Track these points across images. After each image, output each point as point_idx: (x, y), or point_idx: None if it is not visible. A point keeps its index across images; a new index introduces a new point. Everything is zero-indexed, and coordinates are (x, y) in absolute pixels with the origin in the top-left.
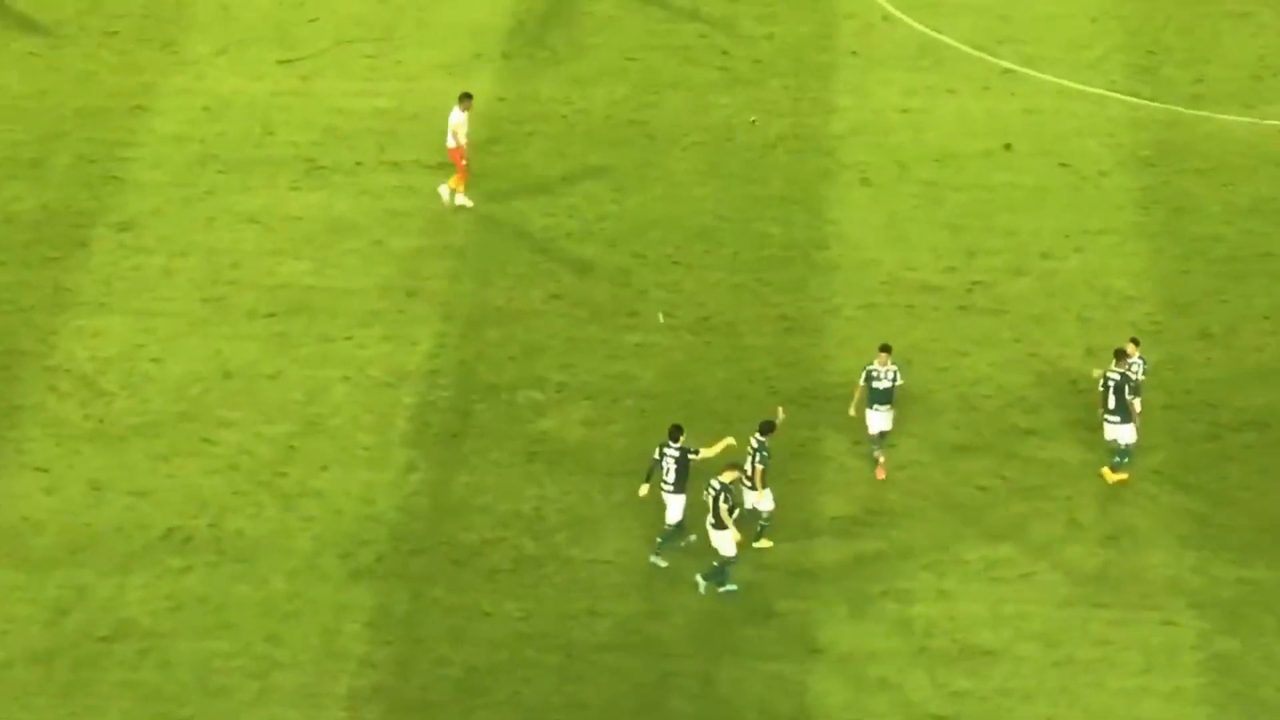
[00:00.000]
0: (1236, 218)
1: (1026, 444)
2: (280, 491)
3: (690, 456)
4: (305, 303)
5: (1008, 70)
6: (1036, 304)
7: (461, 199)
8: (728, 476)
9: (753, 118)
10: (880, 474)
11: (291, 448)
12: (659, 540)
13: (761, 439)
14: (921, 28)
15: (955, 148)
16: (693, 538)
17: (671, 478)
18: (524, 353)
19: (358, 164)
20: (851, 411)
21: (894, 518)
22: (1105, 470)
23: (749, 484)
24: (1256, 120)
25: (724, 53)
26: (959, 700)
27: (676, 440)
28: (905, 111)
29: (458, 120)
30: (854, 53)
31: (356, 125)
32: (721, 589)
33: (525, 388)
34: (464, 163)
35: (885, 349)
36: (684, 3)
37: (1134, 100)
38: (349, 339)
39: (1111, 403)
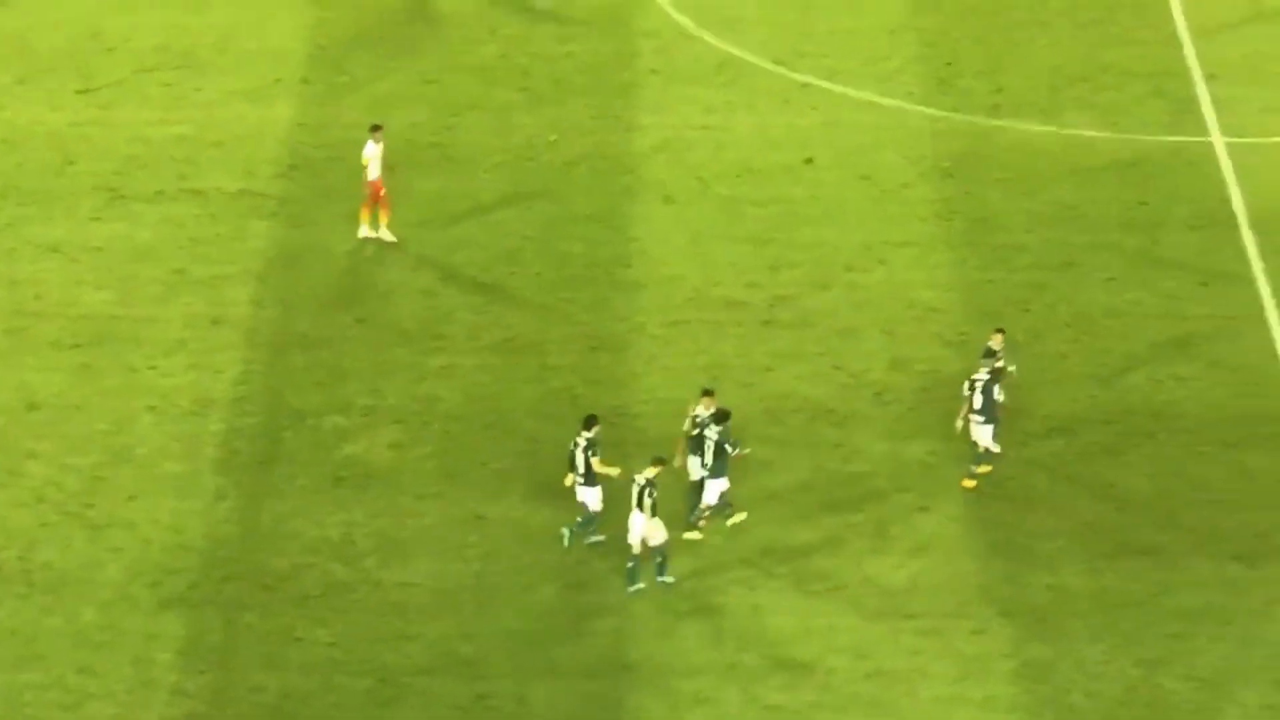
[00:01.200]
0: (1038, 227)
1: (834, 457)
2: (89, 522)
3: (595, 450)
4: (109, 332)
5: (807, 84)
6: (841, 317)
7: (384, 233)
8: (651, 471)
9: (554, 137)
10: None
11: (99, 478)
12: (567, 530)
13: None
14: (720, 44)
15: (756, 162)
16: (602, 538)
17: (583, 469)
18: (330, 377)
19: (159, 192)
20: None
21: (703, 534)
22: (966, 480)
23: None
24: (1056, 129)
25: (524, 73)
26: (773, 714)
27: (589, 430)
28: (706, 128)
29: (371, 152)
30: (654, 70)
31: (157, 153)
32: (660, 579)
33: (332, 412)
34: (383, 193)
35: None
36: (482, 24)
37: (933, 112)
38: (154, 368)
39: (979, 402)
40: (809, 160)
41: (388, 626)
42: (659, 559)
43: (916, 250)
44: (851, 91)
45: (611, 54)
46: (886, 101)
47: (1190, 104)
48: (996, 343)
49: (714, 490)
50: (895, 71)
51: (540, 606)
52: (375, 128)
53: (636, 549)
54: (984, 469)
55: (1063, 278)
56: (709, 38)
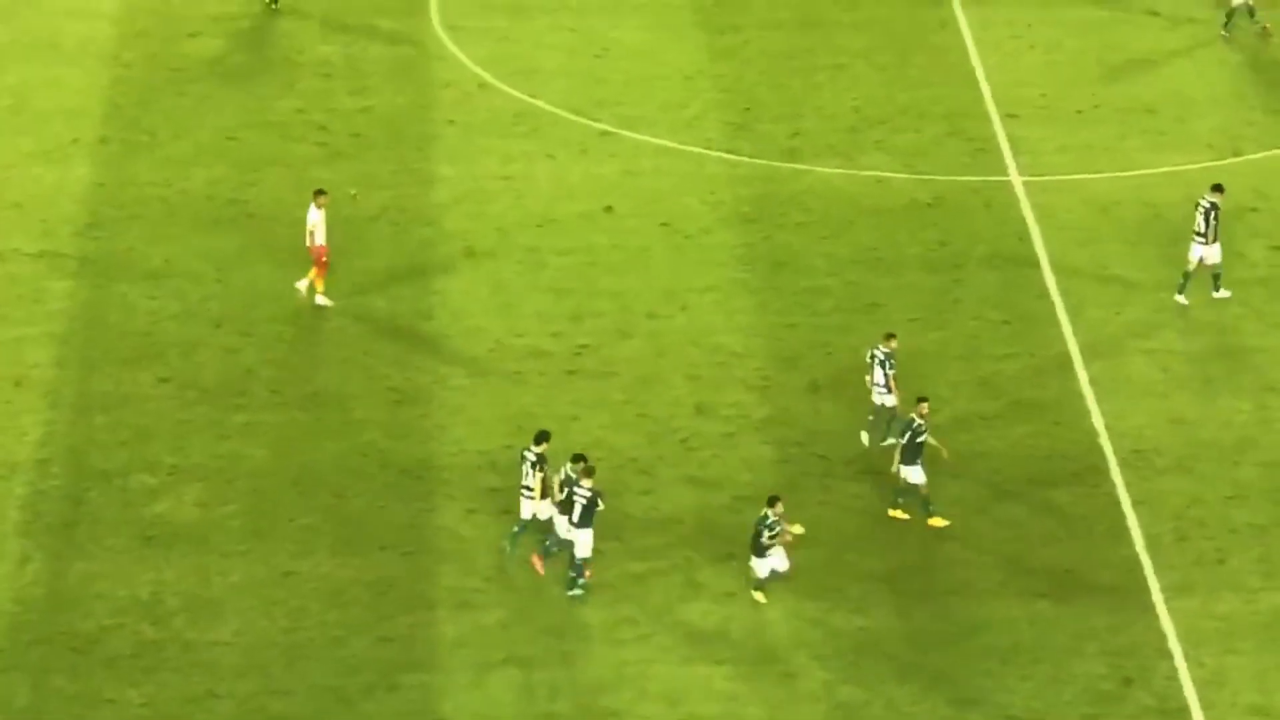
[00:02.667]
0: (839, 269)
1: (641, 504)
2: None
3: (543, 465)
4: None
5: (605, 132)
6: (644, 365)
7: (321, 299)
8: (589, 482)
9: (353, 191)
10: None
11: None
12: (506, 536)
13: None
14: (518, 94)
15: (556, 212)
16: (551, 546)
17: (530, 482)
18: (134, 437)
19: None
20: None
21: (512, 584)
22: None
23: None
24: (855, 172)
25: (321, 128)
26: None
27: (539, 445)
28: (505, 178)
29: (315, 219)
30: (452, 121)
31: None
32: (571, 591)
33: (137, 472)
34: (325, 260)
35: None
36: (280, 79)
37: (732, 157)
38: None
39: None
40: (609, 208)
41: (198, 686)
42: (573, 573)
43: (718, 295)
44: (650, 139)
45: (409, 107)
46: (685, 148)
47: (988, 144)
48: (891, 347)
49: (585, 543)
50: (693, 118)
51: (350, 661)
52: (319, 192)
53: (588, 555)
54: (937, 521)
55: (866, 320)
56: (507, 88)
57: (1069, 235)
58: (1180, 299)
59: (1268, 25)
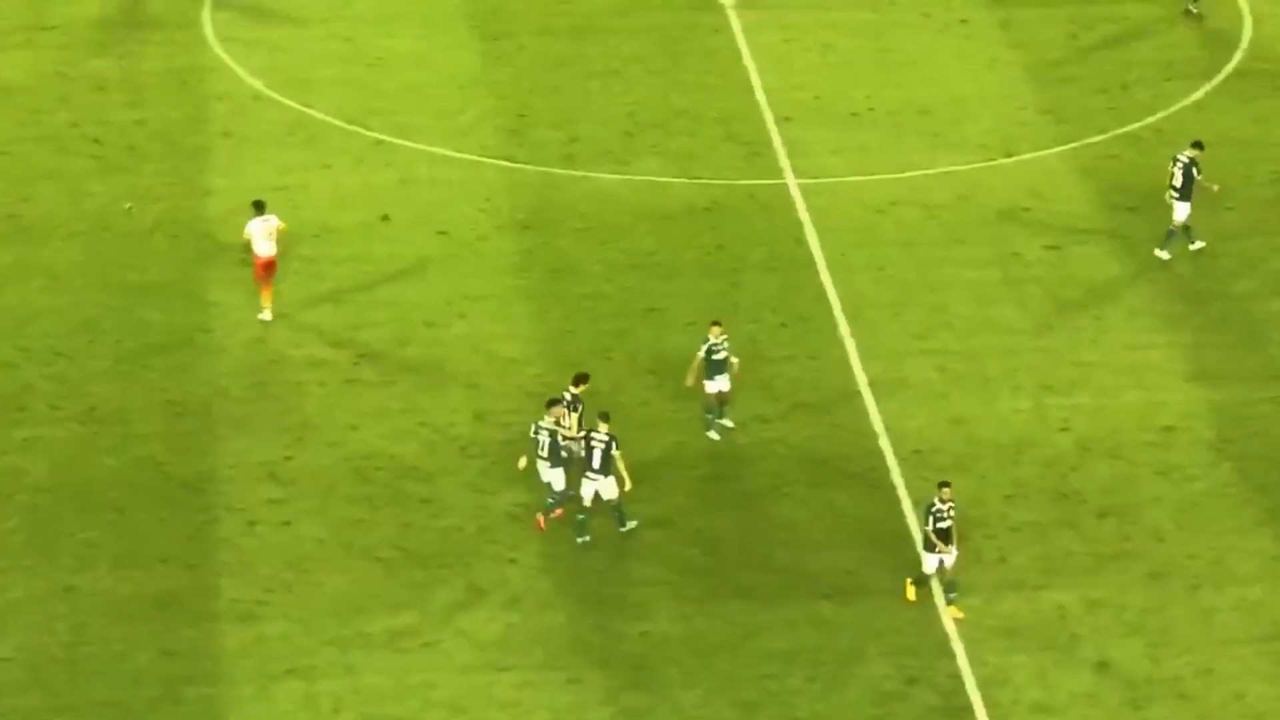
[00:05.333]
0: (617, 275)
1: (422, 513)
2: None
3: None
4: None
5: (381, 141)
6: (423, 373)
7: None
8: (607, 429)
9: (128, 204)
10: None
11: None
12: (548, 501)
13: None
14: (293, 104)
15: (333, 222)
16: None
17: (546, 452)
18: None
19: None
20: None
21: (293, 595)
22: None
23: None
24: (631, 177)
25: (95, 141)
26: None
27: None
28: (282, 189)
29: (255, 229)
30: (227, 134)
31: None
32: (624, 527)
33: None
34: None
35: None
36: (52, 93)
37: (508, 164)
38: None
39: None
40: (386, 217)
41: None
42: (616, 512)
43: (496, 303)
44: (425, 147)
45: (183, 119)
46: (461, 156)
47: (763, 147)
48: (715, 334)
49: (611, 487)
50: (469, 125)
51: (134, 675)
52: (257, 204)
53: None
54: (955, 611)
55: (644, 325)
56: (281, 99)
57: (845, 237)
58: (1161, 254)
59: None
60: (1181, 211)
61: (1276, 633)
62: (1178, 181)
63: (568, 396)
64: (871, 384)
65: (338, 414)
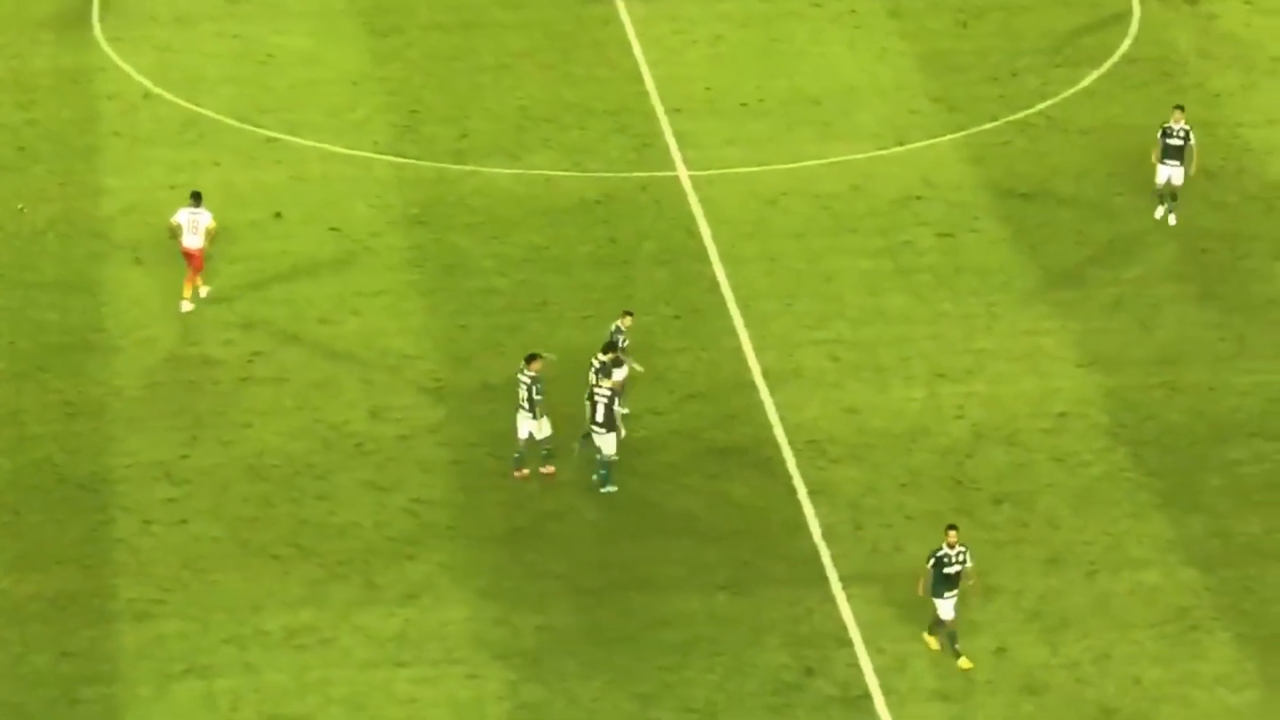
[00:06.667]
0: (509, 269)
1: (318, 510)
2: None
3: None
4: None
5: (272, 139)
6: (317, 370)
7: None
8: (608, 385)
9: (20, 205)
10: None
11: None
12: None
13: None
14: (183, 103)
15: (225, 220)
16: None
17: (524, 401)
18: None
19: None
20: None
21: (190, 594)
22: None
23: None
24: (522, 171)
25: None
26: None
27: (530, 367)
28: (173, 187)
29: (183, 219)
30: (117, 133)
31: None
32: (605, 489)
33: None
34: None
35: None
36: None
37: (399, 160)
38: None
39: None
40: (278, 215)
41: None
42: (603, 470)
43: (389, 299)
44: (316, 144)
45: (74, 119)
46: (353, 152)
47: (654, 139)
48: (624, 324)
49: (611, 443)
50: (360, 122)
51: (31, 677)
52: (194, 195)
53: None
54: (965, 663)
55: (538, 319)
56: (171, 97)
57: (737, 228)
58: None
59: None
60: (1173, 175)
61: (1172, 616)
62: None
63: (525, 379)
64: (765, 374)
65: (232, 412)
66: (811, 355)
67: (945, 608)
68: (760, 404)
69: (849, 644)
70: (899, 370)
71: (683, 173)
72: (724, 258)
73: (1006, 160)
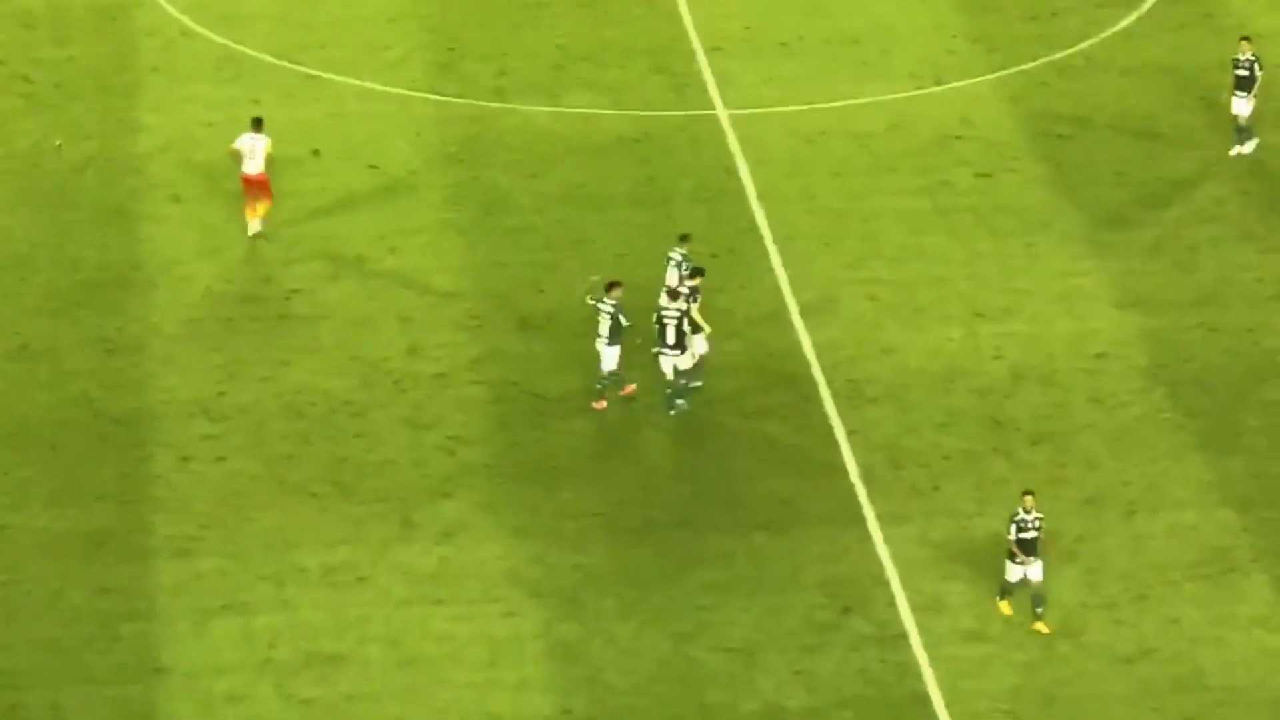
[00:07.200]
0: (547, 207)
1: (355, 447)
2: None
3: (621, 316)
4: None
5: (310, 76)
6: (356, 307)
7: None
8: (675, 306)
9: (58, 141)
10: None
11: None
12: (598, 386)
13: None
14: (221, 39)
15: None
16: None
17: (604, 330)
18: None
19: None
20: None
21: (229, 531)
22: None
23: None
24: (560, 109)
25: (24, 78)
26: (308, 708)
27: (610, 294)
28: (211, 125)
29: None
30: (155, 69)
31: None
32: (674, 410)
33: None
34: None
35: None
36: None
37: (438, 98)
38: None
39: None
40: (316, 152)
41: None
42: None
43: (427, 237)
44: (355, 81)
45: (112, 55)
46: (391, 90)
47: (692, 78)
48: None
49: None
50: (398, 60)
51: (69, 613)
52: (255, 120)
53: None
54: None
55: (575, 257)
56: (209, 34)
57: (776, 167)
58: (1240, 150)
59: None
60: (1244, 106)
61: (1210, 558)
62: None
63: (606, 307)
64: (803, 314)
65: (270, 349)
66: (850, 295)
67: (1016, 572)
68: (798, 344)
69: (886, 584)
70: (937, 310)
71: (721, 112)
72: (762, 196)
73: (1045, 100)
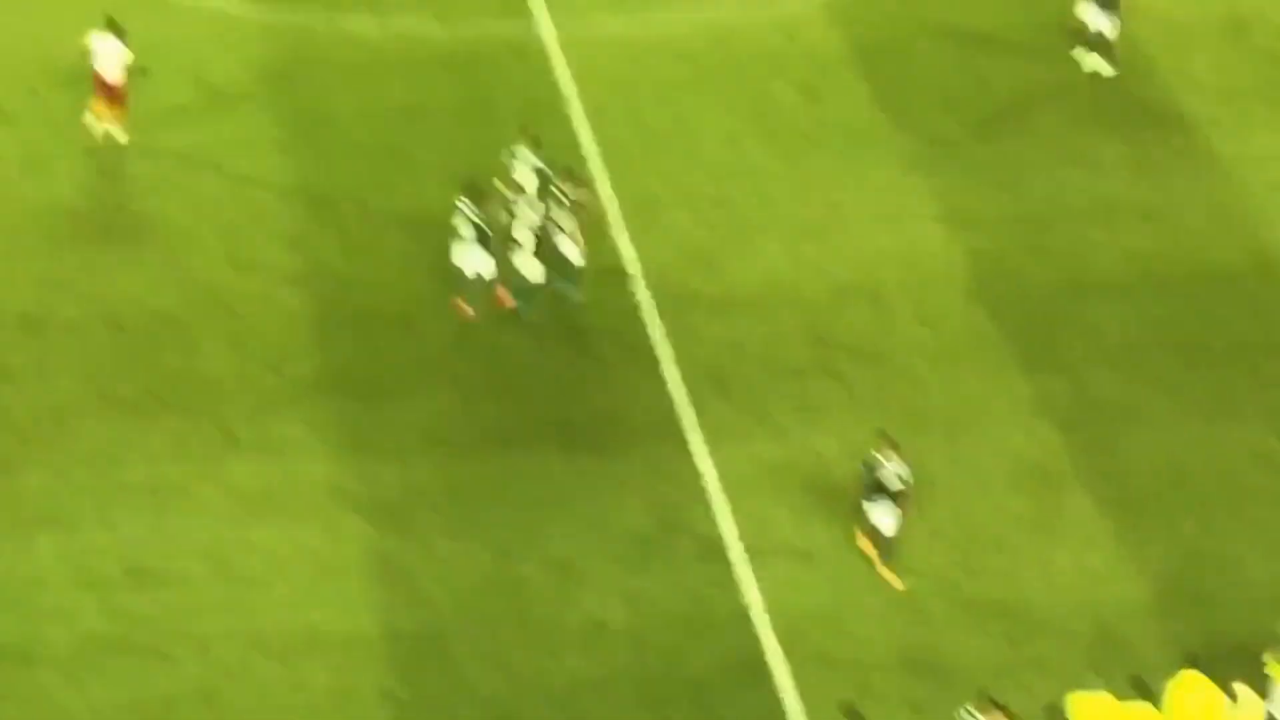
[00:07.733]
0: (372, 123)
1: (178, 363)
2: None
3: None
4: None
5: None
6: (179, 223)
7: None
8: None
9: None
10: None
11: None
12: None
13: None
14: None
15: (88, 72)
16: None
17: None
18: None
19: None
20: None
21: (51, 447)
22: None
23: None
24: (387, 26)
25: None
26: (130, 622)
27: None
28: (35, 40)
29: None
30: None
31: None
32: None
33: None
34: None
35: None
36: None
37: (262, 13)
38: None
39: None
40: (144, 70)
41: None
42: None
43: (252, 152)
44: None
45: None
46: (213, 5)
47: None
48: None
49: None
50: None
51: None
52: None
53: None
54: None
55: (401, 173)
56: None
57: (602, 85)
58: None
59: None
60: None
61: (1032, 473)
62: None
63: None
64: (628, 230)
65: (95, 266)
66: (674, 212)
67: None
68: (621, 261)
69: (708, 501)
70: (760, 226)
71: (548, 29)
72: (589, 114)
73: (873, 18)
